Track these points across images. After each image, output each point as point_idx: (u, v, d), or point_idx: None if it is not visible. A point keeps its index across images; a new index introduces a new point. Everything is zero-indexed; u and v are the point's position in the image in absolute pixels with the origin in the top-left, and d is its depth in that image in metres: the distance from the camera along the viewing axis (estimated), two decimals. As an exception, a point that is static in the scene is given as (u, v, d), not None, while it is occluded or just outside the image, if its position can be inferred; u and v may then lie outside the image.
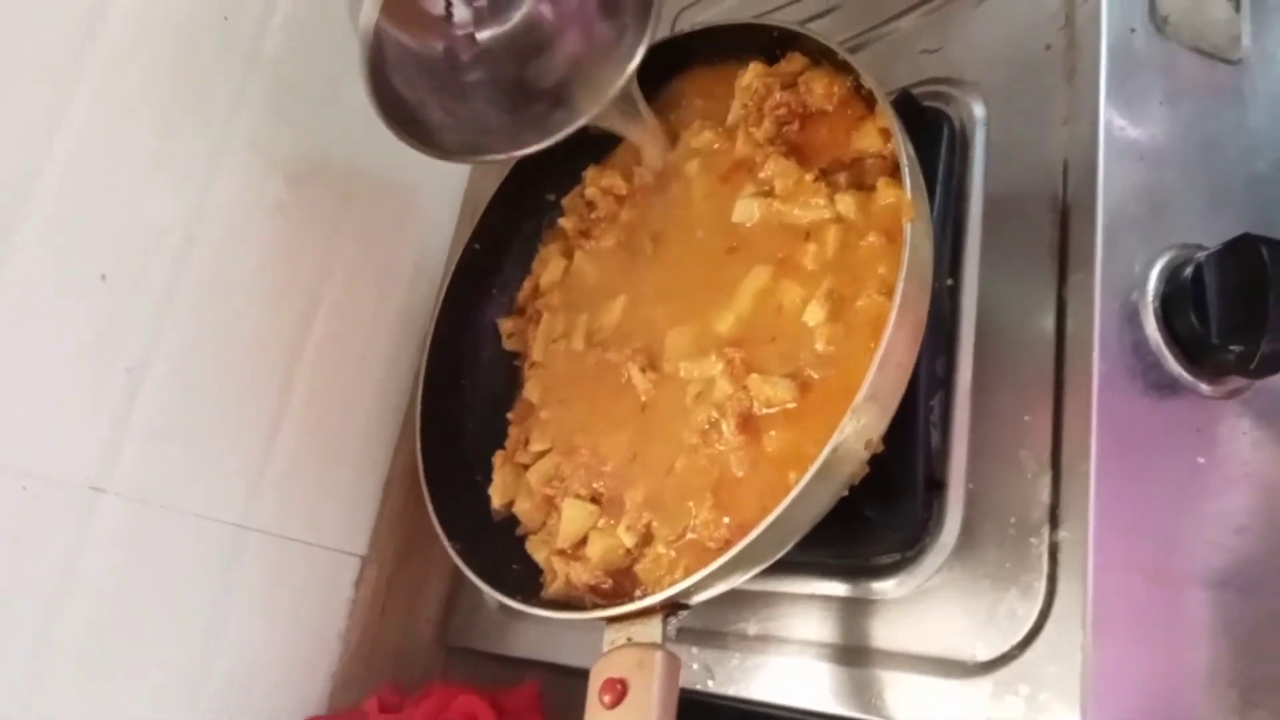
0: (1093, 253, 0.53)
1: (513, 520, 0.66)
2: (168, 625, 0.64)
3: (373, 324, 0.78)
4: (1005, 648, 0.48)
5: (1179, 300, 0.52)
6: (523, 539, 0.65)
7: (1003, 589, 0.49)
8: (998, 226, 0.58)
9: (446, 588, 0.78)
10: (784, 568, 0.58)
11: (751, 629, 0.59)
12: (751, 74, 0.61)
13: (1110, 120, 0.55)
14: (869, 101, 0.57)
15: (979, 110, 0.61)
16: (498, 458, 0.69)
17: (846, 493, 0.50)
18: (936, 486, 0.54)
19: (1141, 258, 0.54)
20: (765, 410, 0.52)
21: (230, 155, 0.69)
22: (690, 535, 0.54)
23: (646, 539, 0.55)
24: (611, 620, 0.51)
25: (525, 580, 0.62)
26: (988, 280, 0.57)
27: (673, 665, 0.48)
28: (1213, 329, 0.50)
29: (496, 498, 0.66)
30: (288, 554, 0.70)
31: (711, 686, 0.59)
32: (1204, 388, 0.52)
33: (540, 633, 0.71)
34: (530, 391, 0.70)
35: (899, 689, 0.51)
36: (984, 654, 0.49)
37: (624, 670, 0.48)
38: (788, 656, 0.57)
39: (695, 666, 0.60)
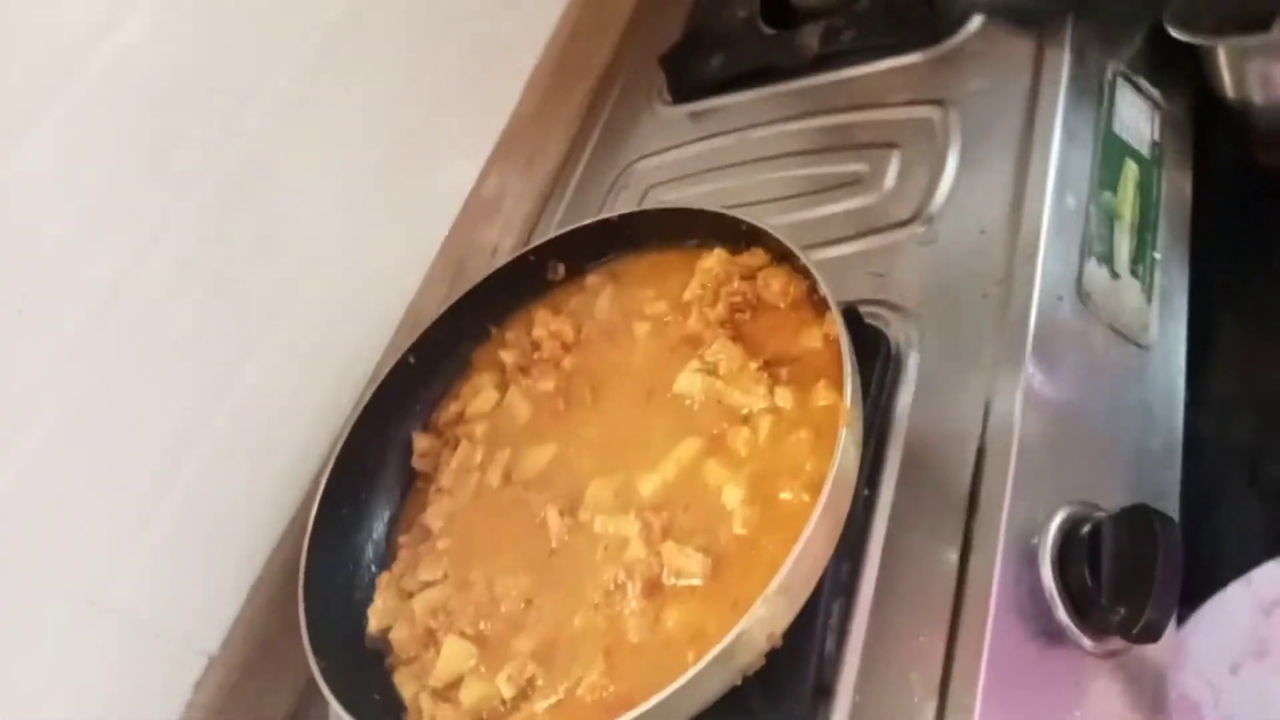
0: (1003, 493, 0.56)
1: (383, 647, 0.63)
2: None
3: (283, 415, 0.75)
4: None
5: (1075, 554, 0.54)
6: (390, 669, 0.61)
7: (874, 812, 0.49)
8: (918, 450, 0.61)
9: (292, 706, 0.72)
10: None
11: (612, 810, 0.56)
12: (715, 259, 0.64)
13: (1032, 374, 0.59)
14: (819, 307, 0.60)
15: (915, 337, 0.65)
16: (383, 579, 0.66)
17: (739, 682, 0.49)
18: (824, 693, 0.53)
19: (1045, 507, 0.57)
20: (674, 580, 0.52)
21: (182, 217, 0.68)
22: (570, 698, 0.52)
23: (525, 694, 0.53)
24: (474, 776, 0.49)
25: (383, 714, 0.58)
26: (902, 499, 0.59)
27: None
28: (1103, 589, 0.53)
29: (375, 621, 0.63)
30: (131, 639, 0.65)
31: None
32: (1087, 643, 0.54)
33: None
34: (431, 517, 0.68)
35: None
36: None
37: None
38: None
39: (545, 841, 0.56)
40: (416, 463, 0.72)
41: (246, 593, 0.72)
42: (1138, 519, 0.53)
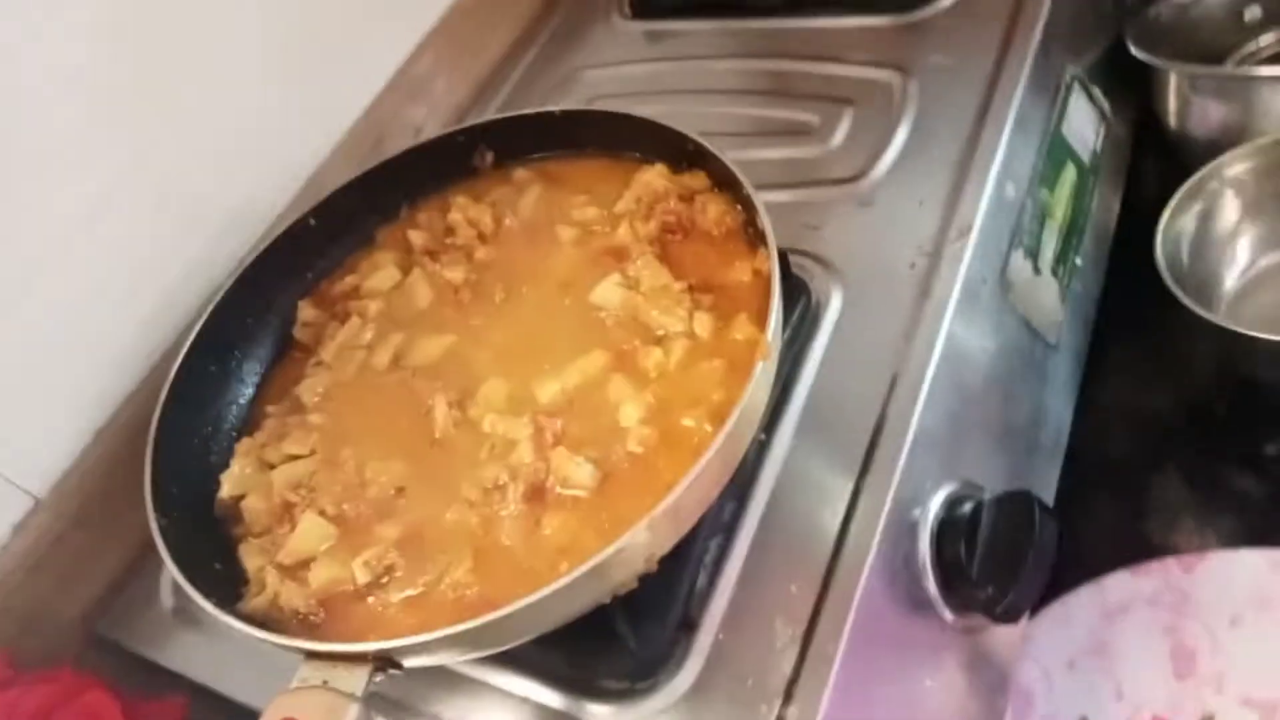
0: (896, 462, 0.55)
1: (231, 516, 0.59)
2: None
3: (157, 256, 0.69)
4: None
5: (954, 531, 0.55)
6: (236, 540, 0.57)
7: (720, 747, 0.48)
8: (820, 406, 0.60)
9: (118, 569, 0.67)
10: (507, 659, 0.54)
11: (450, 715, 0.54)
12: (655, 173, 0.62)
13: (946, 351, 0.59)
14: (752, 242, 0.58)
15: (836, 295, 0.64)
16: (243, 444, 0.61)
17: (607, 600, 0.47)
18: (688, 626, 0.53)
19: (932, 480, 0.57)
20: (558, 489, 0.50)
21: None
22: (431, 592, 0.49)
23: (379, 582, 0.50)
24: (311, 656, 0.46)
25: (222, 584, 0.54)
26: (796, 451, 0.58)
27: (365, 722, 0.42)
28: (974, 566, 0.53)
29: (228, 486, 0.59)
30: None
31: (384, 764, 0.53)
32: (949, 615, 0.55)
33: (208, 650, 0.62)
34: (305, 390, 0.63)
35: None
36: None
37: (309, 714, 0.42)
38: (476, 755, 0.53)
39: (374, 737, 0.54)
40: (298, 332, 0.67)
41: (89, 439, 0.66)
42: (1019, 505, 0.54)
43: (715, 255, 0.60)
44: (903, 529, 0.55)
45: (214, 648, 0.62)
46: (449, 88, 0.90)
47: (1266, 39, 0.87)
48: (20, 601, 0.61)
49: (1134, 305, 0.76)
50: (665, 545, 0.47)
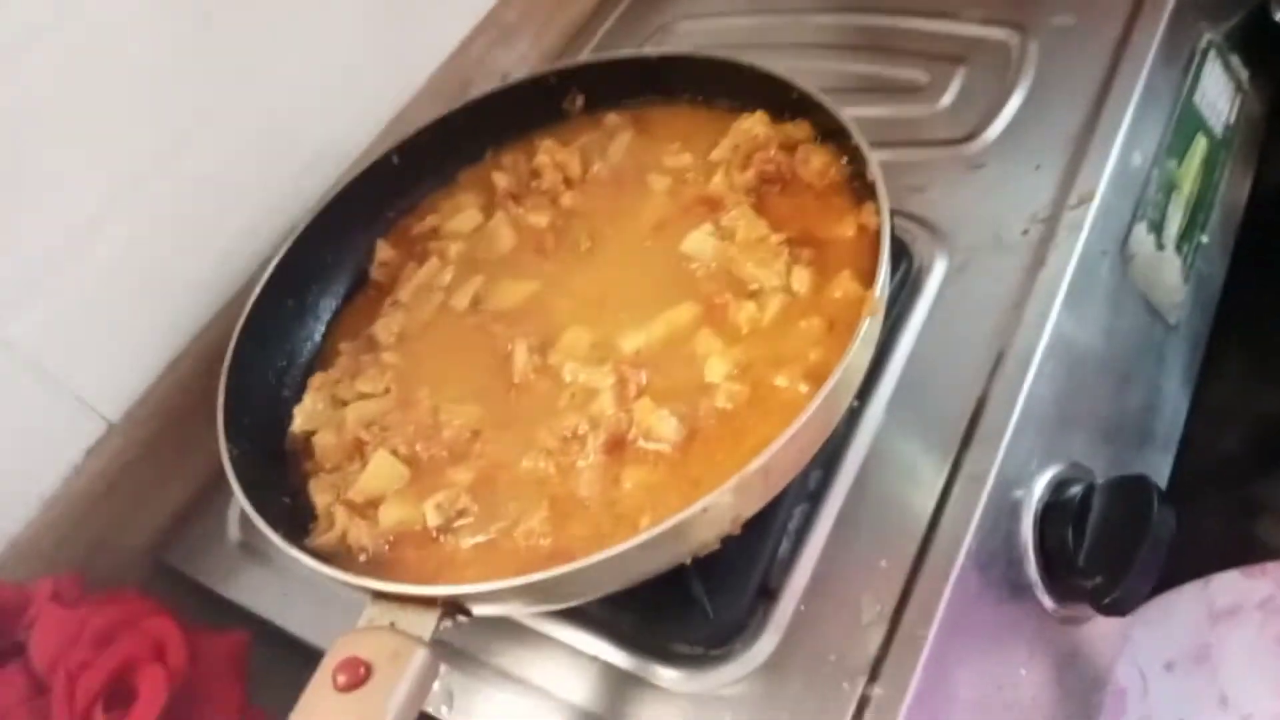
0: (1001, 439, 0.52)
1: (302, 451, 0.57)
2: None
3: (241, 189, 0.68)
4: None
5: (1060, 514, 0.51)
6: (306, 476, 0.56)
7: (796, 725, 0.45)
8: (919, 376, 0.56)
9: (189, 498, 0.66)
10: (576, 616, 0.53)
11: (514, 669, 0.52)
12: (756, 120, 0.58)
13: (1059, 325, 0.55)
14: (857, 196, 0.55)
15: (940, 261, 0.61)
16: (316, 379, 0.60)
17: (687, 562, 0.45)
18: (769, 595, 0.50)
19: (1038, 461, 0.53)
20: (641, 443, 0.48)
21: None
22: (503, 539, 0.47)
23: (450, 525, 0.49)
24: (379, 596, 0.44)
25: (291, 519, 0.53)
26: (892, 418, 0.55)
27: (430, 669, 0.41)
28: (1082, 553, 0.49)
29: (300, 421, 0.57)
30: (24, 382, 0.58)
31: (445, 714, 0.52)
32: (1049, 603, 0.51)
33: (273, 586, 0.61)
34: (381, 329, 0.62)
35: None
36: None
37: (374, 654, 0.40)
38: (539, 713, 0.51)
39: (436, 686, 0.52)
40: (376, 271, 0.66)
41: (164, 366, 0.65)
42: (1137, 491, 0.50)
43: (817, 208, 0.56)
44: (1004, 509, 0.51)
45: (279, 583, 0.61)
46: (538, 35, 0.88)
47: None
48: (90, 525, 0.61)
49: (1260, 293, 0.71)
50: (753, 507, 0.44)
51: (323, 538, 0.50)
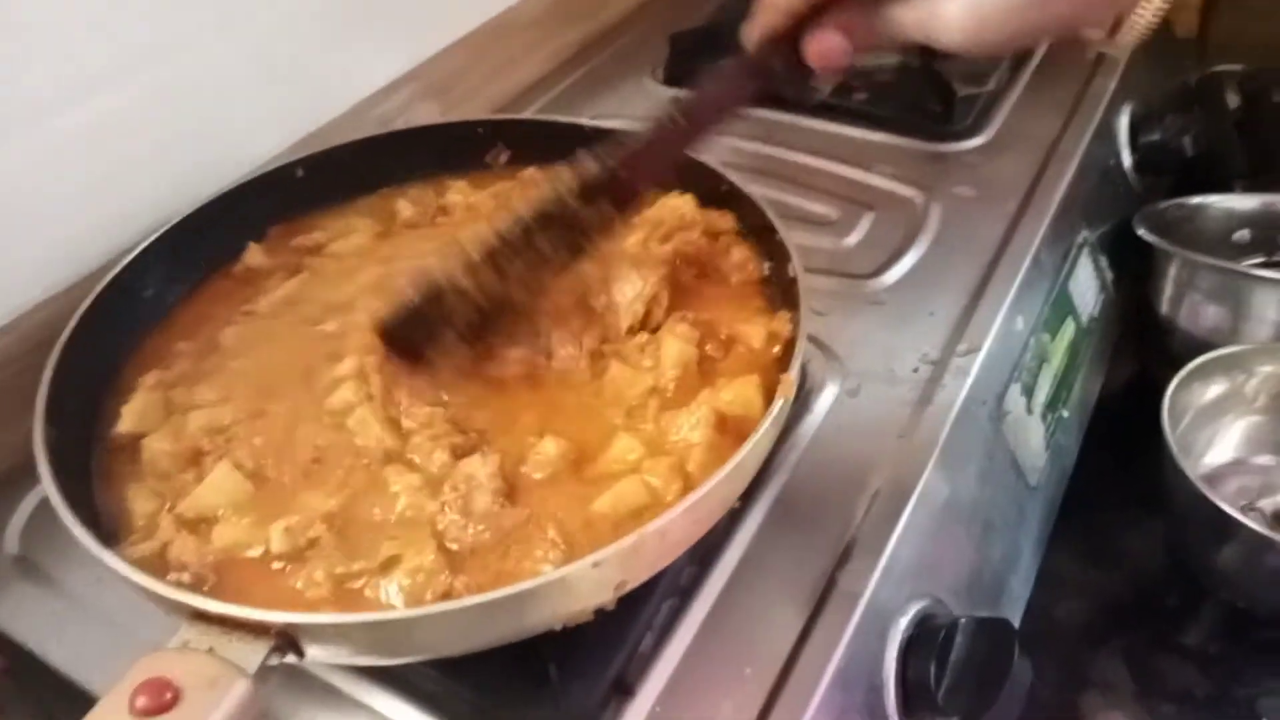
0: (875, 565, 0.51)
1: (127, 449, 0.50)
2: None
3: (143, 160, 0.63)
4: None
5: (925, 647, 0.50)
6: (124, 479, 0.49)
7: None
8: (800, 492, 0.56)
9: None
10: (400, 682, 0.47)
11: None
12: (686, 201, 0.58)
13: (937, 462, 0.56)
14: (770, 302, 0.55)
15: (833, 383, 0.61)
16: (150, 378, 0.53)
17: (557, 629, 0.41)
18: (625, 690, 0.46)
19: (907, 594, 0.53)
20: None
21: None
22: (349, 578, 0.42)
23: (299, 556, 0.43)
24: (200, 617, 0.38)
25: (96, 519, 0.46)
26: (771, 526, 0.54)
27: (250, 705, 0.35)
28: (941, 688, 0.49)
29: (129, 421, 0.50)
30: None
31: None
32: (904, 738, 0.50)
33: (45, 609, 0.52)
34: (229, 336, 0.56)
35: None
36: None
37: (186, 678, 0.34)
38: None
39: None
40: (239, 271, 0.61)
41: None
42: (1000, 633, 0.50)
43: (727, 303, 0.56)
44: (871, 636, 0.50)
45: (53, 607, 0.52)
46: (465, 95, 0.87)
47: (1247, 263, 0.90)
48: None
49: (1099, 479, 0.75)
50: (640, 577, 0.42)
51: (136, 549, 0.44)
